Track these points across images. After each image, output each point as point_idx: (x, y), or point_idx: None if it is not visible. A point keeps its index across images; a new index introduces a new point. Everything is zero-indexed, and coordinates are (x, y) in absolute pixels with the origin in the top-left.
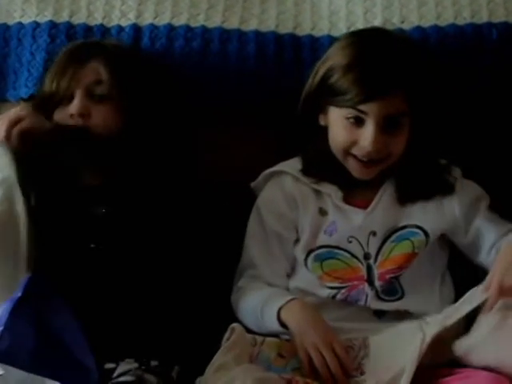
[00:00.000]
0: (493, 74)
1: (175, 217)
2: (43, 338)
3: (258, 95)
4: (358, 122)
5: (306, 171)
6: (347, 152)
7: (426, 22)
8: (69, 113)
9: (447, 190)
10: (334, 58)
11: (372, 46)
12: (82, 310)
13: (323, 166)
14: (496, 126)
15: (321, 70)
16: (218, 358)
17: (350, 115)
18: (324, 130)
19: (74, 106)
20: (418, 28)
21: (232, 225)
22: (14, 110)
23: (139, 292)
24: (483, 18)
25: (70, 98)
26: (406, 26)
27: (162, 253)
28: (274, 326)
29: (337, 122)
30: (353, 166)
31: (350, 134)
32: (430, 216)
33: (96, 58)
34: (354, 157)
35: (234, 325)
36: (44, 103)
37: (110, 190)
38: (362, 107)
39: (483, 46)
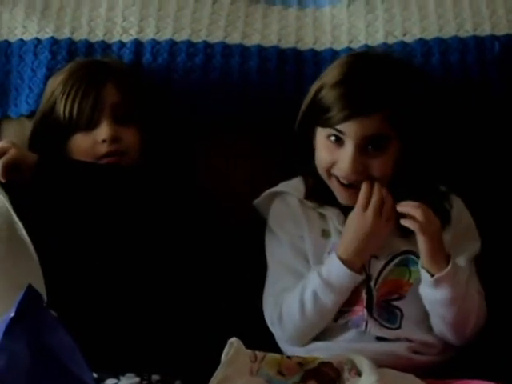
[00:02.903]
0: (496, 86)
1: (178, 232)
2: (39, 357)
3: (260, 110)
4: (338, 142)
5: (308, 195)
6: (330, 173)
7: (429, 35)
8: (99, 139)
9: (443, 218)
10: (325, 77)
11: (360, 67)
12: (82, 325)
13: (324, 189)
14: (499, 142)
15: (313, 89)
16: (219, 372)
17: (330, 134)
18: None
19: (105, 132)
20: (421, 40)
21: (234, 242)
22: None
23: (140, 306)
24: (486, 30)
25: (92, 123)
26: (409, 39)
27: (164, 267)
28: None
29: (320, 142)
30: (336, 189)
31: (330, 154)
32: None
33: (110, 79)
34: (337, 179)
35: (233, 339)
36: (57, 129)
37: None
38: (341, 127)
39: (486, 58)
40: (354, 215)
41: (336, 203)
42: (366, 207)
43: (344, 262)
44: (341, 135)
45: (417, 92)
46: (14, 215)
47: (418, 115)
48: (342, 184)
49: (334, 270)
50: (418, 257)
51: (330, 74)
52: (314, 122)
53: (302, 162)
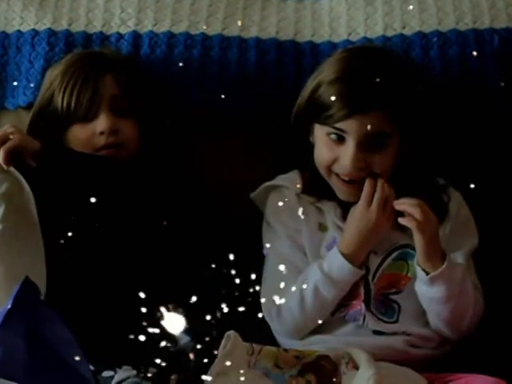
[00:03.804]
0: (494, 79)
1: (176, 224)
2: (36, 349)
3: (258, 102)
4: (340, 139)
5: (305, 190)
6: (330, 170)
7: (428, 28)
8: (97, 131)
9: (441, 212)
10: (322, 73)
11: (358, 63)
12: (80, 317)
13: (321, 184)
14: (497, 135)
15: (310, 85)
16: (216, 365)
17: (330, 132)
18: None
19: (104, 124)
20: (420, 33)
21: (231, 234)
22: (1, 129)
23: (137, 299)
24: (485, 23)
25: (90, 114)
26: (408, 32)
27: (161, 259)
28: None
29: (320, 139)
30: (336, 185)
31: (330, 151)
32: None
33: (109, 71)
34: (337, 176)
35: (230, 332)
36: (55, 120)
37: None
38: (341, 125)
39: (485, 51)
40: (357, 211)
41: (333, 197)
42: (370, 203)
43: (346, 256)
44: (341, 133)
45: (416, 87)
46: (32, 197)
47: (418, 110)
48: (342, 180)
49: (336, 264)
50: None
51: (327, 71)
52: (312, 119)
53: (298, 157)
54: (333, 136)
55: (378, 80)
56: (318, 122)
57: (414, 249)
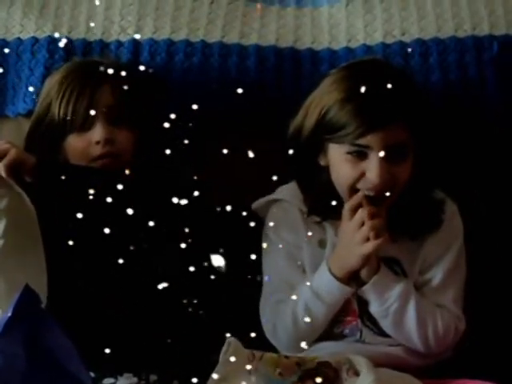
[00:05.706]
0: (494, 86)
1: (176, 234)
2: (36, 358)
3: (258, 110)
4: (361, 155)
5: (311, 211)
6: (353, 188)
7: (427, 35)
8: (93, 140)
9: (432, 225)
10: (329, 94)
11: (367, 77)
12: (81, 325)
13: (327, 204)
14: (496, 142)
15: (316, 108)
16: (217, 372)
17: (351, 150)
18: (325, 169)
19: (99, 133)
20: (419, 40)
21: (231, 243)
22: None
23: (138, 306)
24: (484, 30)
25: (86, 124)
26: (407, 39)
27: (162, 267)
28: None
29: (338, 158)
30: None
31: (354, 168)
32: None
33: (106, 80)
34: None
35: (231, 339)
36: (52, 129)
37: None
38: (363, 141)
39: (484, 58)
40: (348, 230)
41: (337, 217)
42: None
43: (334, 274)
44: (364, 149)
45: (421, 93)
46: (33, 211)
47: (430, 117)
48: (365, 199)
49: (325, 281)
50: (401, 267)
51: (332, 93)
52: (325, 140)
53: (305, 180)
54: (354, 154)
55: (391, 89)
56: (335, 141)
57: (400, 265)
